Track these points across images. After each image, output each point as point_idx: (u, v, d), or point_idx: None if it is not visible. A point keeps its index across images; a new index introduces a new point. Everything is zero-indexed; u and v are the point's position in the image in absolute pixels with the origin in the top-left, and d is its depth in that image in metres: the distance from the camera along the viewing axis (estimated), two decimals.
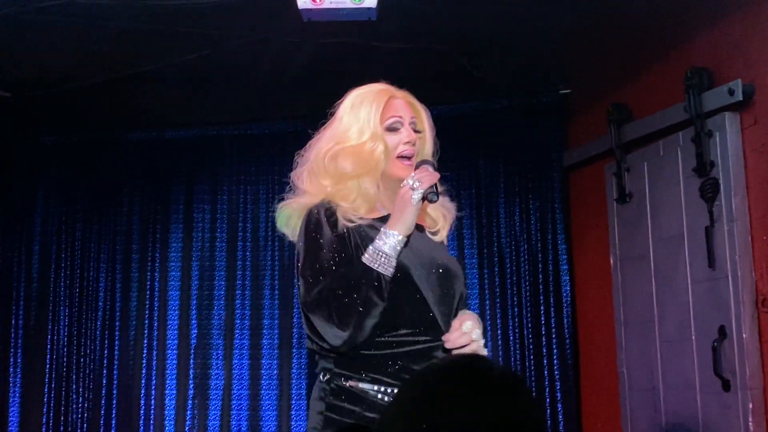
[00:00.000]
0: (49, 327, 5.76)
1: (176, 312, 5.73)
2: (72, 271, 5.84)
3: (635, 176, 4.51)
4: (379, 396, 2.28)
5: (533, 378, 5.16)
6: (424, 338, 2.33)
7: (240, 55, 4.74)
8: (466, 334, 2.33)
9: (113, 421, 5.65)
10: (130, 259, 5.83)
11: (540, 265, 5.24)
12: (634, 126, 4.53)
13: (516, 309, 5.28)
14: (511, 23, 4.37)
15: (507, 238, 5.38)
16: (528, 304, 5.25)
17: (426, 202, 2.31)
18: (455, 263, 2.50)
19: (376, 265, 2.25)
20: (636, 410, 4.45)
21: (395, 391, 2.26)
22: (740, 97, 3.74)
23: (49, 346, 5.74)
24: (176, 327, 5.72)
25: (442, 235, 2.51)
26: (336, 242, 2.31)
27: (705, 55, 4.01)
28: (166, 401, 5.65)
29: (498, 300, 5.34)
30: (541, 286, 5.23)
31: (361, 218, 2.35)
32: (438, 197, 2.30)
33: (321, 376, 2.38)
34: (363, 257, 2.27)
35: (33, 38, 4.45)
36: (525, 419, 1.36)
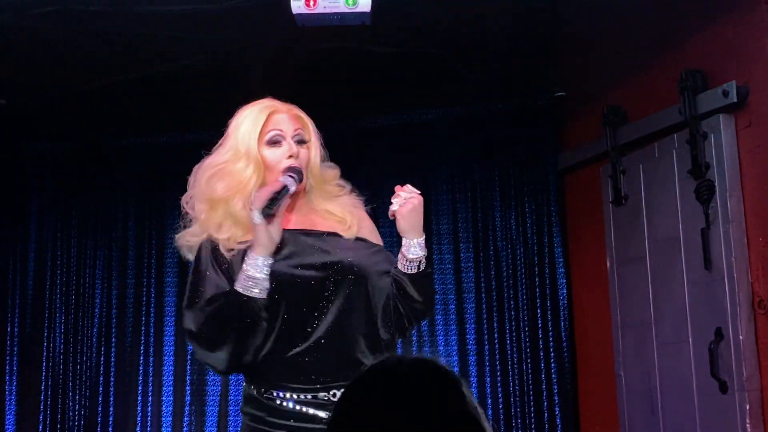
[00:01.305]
0: (45, 334, 5.74)
1: (172, 318, 5.71)
2: (68, 279, 5.82)
3: (631, 178, 4.50)
4: (278, 402, 2.33)
5: (530, 381, 5.16)
6: (309, 352, 2.32)
7: (234, 61, 4.74)
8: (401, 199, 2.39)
9: (110, 429, 5.62)
10: (125, 265, 5.81)
11: (536, 269, 5.24)
12: (629, 128, 4.53)
13: (512, 312, 5.27)
14: (505, 27, 4.37)
15: (503, 241, 5.38)
16: (524, 308, 5.24)
17: (274, 216, 2.27)
18: (369, 259, 2.44)
19: (246, 291, 2.28)
20: (633, 413, 4.45)
21: (293, 395, 2.31)
22: (735, 99, 3.74)
23: (45, 354, 5.72)
24: (172, 333, 5.70)
25: (352, 232, 2.47)
26: (217, 278, 2.35)
27: (699, 57, 4.01)
28: (163, 408, 5.63)
29: (495, 303, 5.33)
30: (537, 290, 5.22)
31: (240, 242, 2.37)
32: (271, 211, 2.24)
33: (243, 385, 2.47)
34: (235, 285, 2.30)
35: (27, 45, 4.44)
36: (461, 414, 1.36)
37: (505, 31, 4.44)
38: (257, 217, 2.24)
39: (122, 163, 5.88)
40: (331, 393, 2.31)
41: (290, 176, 2.35)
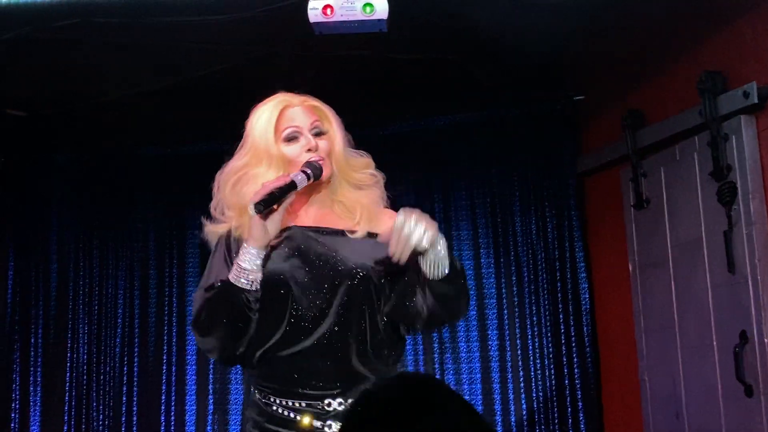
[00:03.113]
0: (68, 345, 5.78)
1: None
2: (90, 289, 5.85)
3: (652, 181, 4.48)
4: (274, 408, 2.32)
5: (554, 388, 5.13)
6: (304, 353, 2.30)
7: (252, 70, 4.76)
8: (401, 238, 2.16)
9: None
10: (147, 275, 5.84)
11: (558, 273, 5.22)
12: (649, 131, 4.50)
13: (534, 318, 5.25)
14: (523, 31, 4.36)
15: (524, 246, 5.36)
16: (546, 313, 5.22)
17: (270, 213, 2.25)
18: (367, 262, 2.34)
19: (236, 281, 2.28)
20: (658, 418, 4.42)
21: (288, 402, 2.30)
22: (755, 100, 3.71)
23: (68, 365, 5.75)
24: (195, 343, 5.71)
25: (362, 227, 2.39)
26: (222, 268, 2.37)
27: (718, 58, 3.99)
28: (186, 417, 5.65)
29: (516, 309, 5.31)
30: (559, 295, 5.20)
31: (266, 246, 2.33)
32: (263, 208, 2.20)
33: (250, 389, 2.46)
34: (228, 275, 2.30)
35: (48, 57, 4.48)
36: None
37: (523, 35, 4.43)
38: (251, 210, 2.21)
39: (143, 174, 5.90)
40: (326, 402, 2.27)
41: (303, 172, 2.30)
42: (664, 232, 4.35)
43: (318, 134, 2.42)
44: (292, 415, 2.29)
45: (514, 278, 5.34)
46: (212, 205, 2.52)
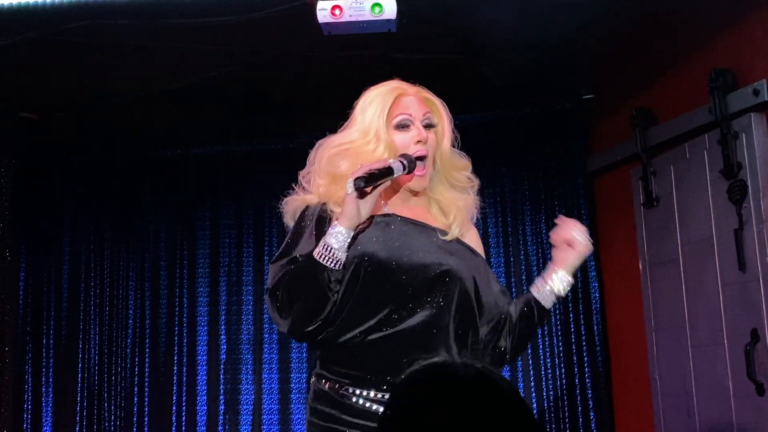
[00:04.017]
0: (80, 346, 5.81)
1: (205, 328, 5.76)
2: (101, 290, 5.88)
3: (662, 180, 4.47)
4: (354, 399, 2.27)
5: (565, 387, 5.13)
6: (394, 342, 2.26)
7: (261, 71, 4.77)
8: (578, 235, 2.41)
9: None
10: (158, 276, 5.86)
11: None
12: (659, 130, 4.50)
13: None
14: (532, 30, 4.36)
15: (533, 245, 5.35)
16: (557, 312, 5.21)
17: (366, 192, 2.21)
18: (462, 265, 2.36)
19: (322, 258, 2.23)
20: (669, 416, 4.41)
21: (370, 394, 2.25)
22: (765, 98, 3.71)
23: (80, 365, 5.78)
24: (205, 343, 5.74)
25: (453, 233, 2.40)
26: (309, 241, 2.33)
27: (728, 56, 3.98)
28: (198, 417, 5.66)
29: None
30: (569, 294, 5.15)
31: (356, 228, 2.30)
32: (363, 184, 2.16)
33: (312, 379, 2.40)
34: (313, 251, 2.26)
35: (58, 60, 4.50)
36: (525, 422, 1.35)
37: (532, 34, 4.43)
38: (349, 186, 2.19)
39: (154, 175, 5.93)
40: None
41: (401, 161, 2.28)
42: (675, 230, 4.35)
43: (428, 126, 2.41)
44: (374, 407, 2.24)
45: (524, 277, 5.34)
46: (302, 173, 2.48)
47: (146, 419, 5.70)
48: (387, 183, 2.27)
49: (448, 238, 2.39)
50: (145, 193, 5.93)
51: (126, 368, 5.77)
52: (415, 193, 2.44)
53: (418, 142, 2.36)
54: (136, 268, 5.89)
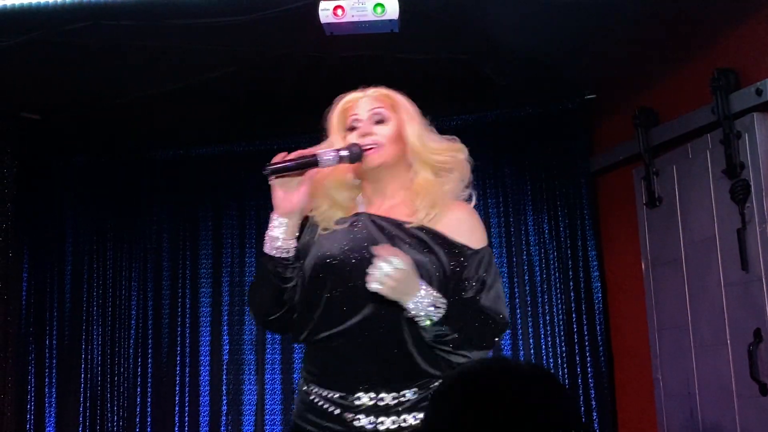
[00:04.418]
0: (83, 347, 5.81)
1: (207, 328, 5.76)
2: (104, 291, 5.89)
3: (664, 180, 4.47)
4: (312, 397, 2.33)
5: (567, 386, 5.12)
6: (342, 341, 2.28)
7: (264, 71, 4.77)
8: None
9: None
10: (160, 277, 5.87)
11: (570, 272, 5.21)
12: (662, 129, 4.49)
13: (547, 317, 5.25)
14: (534, 30, 4.35)
15: (536, 246, 5.35)
16: (559, 312, 5.21)
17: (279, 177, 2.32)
18: (418, 260, 2.28)
19: (265, 248, 2.34)
20: (672, 416, 4.41)
21: (323, 392, 2.30)
22: None
23: (83, 366, 5.79)
24: (208, 343, 5.74)
25: (418, 217, 2.35)
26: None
27: (730, 55, 3.97)
28: (200, 418, 5.67)
29: (529, 308, 5.31)
30: (572, 294, 5.19)
31: (337, 223, 2.41)
32: (269, 172, 2.30)
33: None
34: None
35: (60, 60, 4.50)
36: (565, 416, 1.34)
37: (534, 34, 4.42)
38: (264, 172, 2.31)
39: (155, 176, 5.94)
40: (356, 396, 2.26)
41: (338, 151, 2.34)
42: (677, 230, 4.34)
43: (379, 122, 2.43)
44: (326, 405, 2.29)
45: (526, 277, 5.34)
46: None
47: (149, 419, 5.71)
48: (313, 173, 2.33)
49: (413, 225, 2.35)
50: (147, 193, 5.94)
51: (129, 368, 5.78)
52: (390, 179, 2.43)
53: (364, 135, 2.40)
54: (139, 269, 5.90)
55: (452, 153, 2.48)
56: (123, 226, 5.94)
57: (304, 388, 2.36)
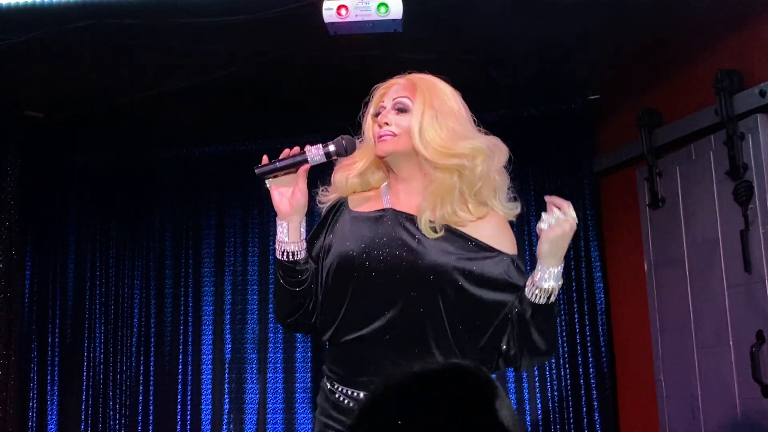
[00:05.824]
0: (85, 344, 5.83)
1: (210, 327, 5.77)
2: (107, 289, 5.90)
3: (667, 181, 4.47)
4: (337, 396, 2.29)
5: (569, 387, 5.13)
6: (367, 342, 2.22)
7: (268, 71, 4.77)
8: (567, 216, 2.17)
9: None
10: (163, 275, 5.88)
11: (573, 273, 5.20)
12: (665, 130, 4.49)
13: None
14: (538, 31, 4.35)
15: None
16: (562, 313, 5.20)
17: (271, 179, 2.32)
18: (445, 260, 2.22)
19: (277, 253, 2.29)
20: (674, 417, 4.40)
21: (349, 392, 2.25)
22: None
23: (85, 363, 5.80)
24: (210, 342, 5.75)
25: (423, 222, 2.25)
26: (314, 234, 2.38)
27: (734, 57, 3.97)
28: (202, 416, 5.67)
29: None
30: (575, 294, 5.19)
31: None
32: (261, 174, 2.29)
33: None
34: None
35: (64, 59, 4.51)
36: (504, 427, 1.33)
37: (538, 35, 4.42)
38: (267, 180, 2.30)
39: (159, 175, 5.95)
40: None
41: (325, 146, 2.27)
42: (680, 231, 4.34)
43: (401, 110, 2.32)
44: (352, 405, 2.22)
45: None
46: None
47: (151, 418, 5.72)
48: (303, 171, 2.28)
49: (422, 228, 2.25)
50: (150, 192, 5.95)
51: (131, 366, 5.79)
52: (410, 173, 2.34)
53: (382, 125, 2.31)
54: (142, 267, 5.91)
55: (458, 155, 2.37)
56: (126, 225, 5.95)
57: (329, 387, 2.29)
